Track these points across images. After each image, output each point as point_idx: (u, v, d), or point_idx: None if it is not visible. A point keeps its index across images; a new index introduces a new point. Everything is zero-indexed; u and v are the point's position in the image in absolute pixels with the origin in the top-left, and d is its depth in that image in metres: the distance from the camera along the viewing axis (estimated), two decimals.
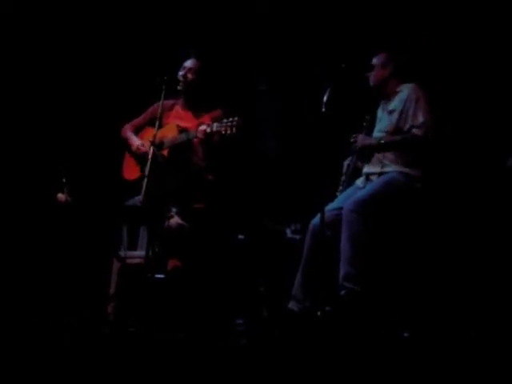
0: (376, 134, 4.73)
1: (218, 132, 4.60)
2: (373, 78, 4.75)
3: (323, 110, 4.31)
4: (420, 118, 4.51)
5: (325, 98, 4.32)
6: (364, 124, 4.80)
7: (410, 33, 5.05)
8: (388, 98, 4.73)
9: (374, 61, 4.76)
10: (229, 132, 4.55)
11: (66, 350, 3.63)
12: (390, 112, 4.65)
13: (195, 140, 4.76)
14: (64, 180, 4.91)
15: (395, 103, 4.64)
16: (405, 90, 4.64)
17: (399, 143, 4.58)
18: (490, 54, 4.95)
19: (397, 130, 4.60)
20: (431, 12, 5.08)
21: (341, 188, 4.76)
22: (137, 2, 5.72)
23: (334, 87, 4.35)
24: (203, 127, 4.67)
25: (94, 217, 5.07)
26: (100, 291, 4.86)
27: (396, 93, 4.68)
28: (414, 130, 4.51)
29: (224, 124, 4.57)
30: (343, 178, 4.80)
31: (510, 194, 4.68)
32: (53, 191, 4.95)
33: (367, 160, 4.70)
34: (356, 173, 4.78)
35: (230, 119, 4.57)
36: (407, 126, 4.55)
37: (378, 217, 4.40)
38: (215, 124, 4.63)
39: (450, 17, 5.05)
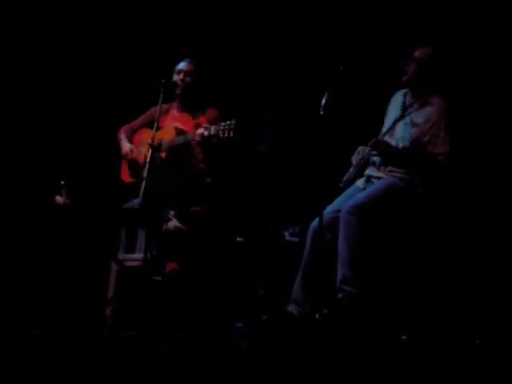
0: (388, 137, 4.60)
1: (216, 135, 4.60)
2: (409, 73, 4.55)
3: (322, 112, 4.30)
4: (447, 147, 4.41)
5: (323, 101, 4.31)
6: (384, 130, 4.65)
7: (412, 34, 4.98)
8: (414, 98, 4.59)
9: (418, 54, 4.53)
10: (226, 135, 4.54)
11: (65, 353, 3.63)
12: (413, 124, 4.52)
13: (193, 142, 4.76)
14: (62, 182, 4.91)
15: (421, 117, 4.50)
16: (435, 107, 4.49)
17: (422, 165, 4.47)
18: (490, 56, 4.95)
19: (414, 145, 4.49)
20: (431, 12, 5.07)
21: (347, 177, 4.69)
22: (135, 3, 5.71)
23: (332, 90, 4.32)
24: (201, 130, 4.67)
25: (92, 219, 5.07)
26: (98, 294, 4.86)
27: (425, 103, 4.54)
28: (441, 158, 4.42)
29: (222, 127, 4.56)
30: (352, 169, 4.68)
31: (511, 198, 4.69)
32: (51, 193, 4.94)
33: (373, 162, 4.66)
34: (365, 167, 4.71)
35: (228, 122, 4.56)
36: (435, 151, 4.44)
37: (375, 220, 4.39)
38: (213, 127, 4.61)
39: (447, 21, 5.03)
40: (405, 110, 4.61)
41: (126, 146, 5.03)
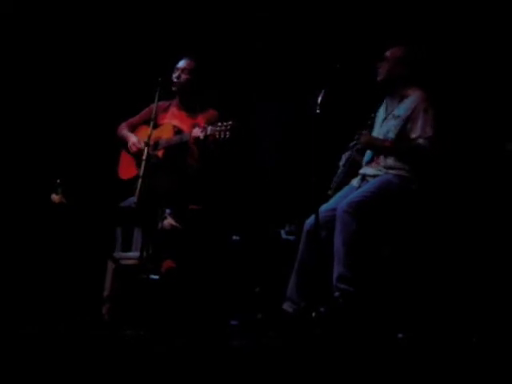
0: (376, 136, 4.65)
1: (213, 136, 4.59)
2: (383, 71, 4.60)
3: (317, 111, 4.31)
4: (428, 131, 4.42)
5: (319, 99, 4.32)
6: (369, 122, 4.70)
7: (410, 34, 5.02)
8: (393, 97, 4.64)
9: (388, 53, 4.61)
10: (223, 136, 4.53)
11: (61, 352, 3.62)
12: (395, 117, 4.56)
13: (190, 142, 4.76)
14: (58, 181, 4.90)
15: (402, 109, 4.55)
16: (413, 97, 4.53)
17: (404, 151, 4.50)
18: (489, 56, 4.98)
19: (400, 137, 4.51)
20: (431, 14, 5.08)
21: (336, 181, 4.72)
22: (135, 4, 5.72)
23: (328, 88, 4.33)
24: (196, 131, 4.67)
25: (88, 218, 5.06)
26: (94, 292, 4.86)
27: (403, 96, 4.58)
28: (421, 141, 4.43)
29: (218, 128, 4.56)
30: (340, 170, 4.73)
31: (508, 194, 4.70)
32: (47, 192, 4.94)
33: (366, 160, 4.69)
34: (353, 167, 4.74)
35: (225, 123, 4.55)
36: (414, 136, 4.46)
37: (371, 218, 4.39)
38: (210, 127, 4.61)
39: (451, 20, 5.05)
40: (387, 110, 4.66)
41: (132, 136, 5.00)
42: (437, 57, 4.98)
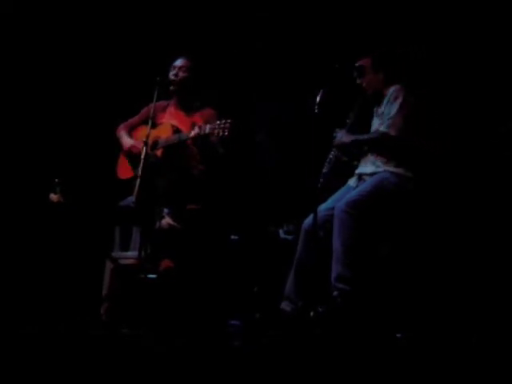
0: None
1: (211, 134, 4.59)
2: (369, 84, 4.70)
3: (316, 110, 4.32)
4: (392, 115, 4.50)
5: (318, 99, 4.33)
6: (347, 121, 4.77)
7: (401, 35, 5.06)
8: (379, 102, 4.70)
9: (363, 66, 4.70)
10: (221, 134, 4.53)
11: (60, 351, 3.62)
12: (379, 116, 4.65)
13: (188, 142, 4.76)
14: (57, 180, 4.90)
15: (382, 106, 4.63)
16: (389, 92, 4.61)
17: (369, 140, 4.59)
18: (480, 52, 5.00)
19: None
20: (425, 14, 5.11)
21: (322, 181, 4.74)
22: (134, 4, 5.72)
23: (327, 88, 4.35)
24: (196, 130, 4.67)
25: (86, 217, 5.06)
26: (93, 292, 4.85)
27: (384, 95, 4.65)
28: (382, 128, 4.53)
29: (217, 126, 4.56)
30: (324, 169, 4.76)
31: (506, 194, 4.71)
32: (45, 191, 4.94)
33: (353, 156, 4.71)
34: (339, 166, 4.76)
35: (224, 121, 4.55)
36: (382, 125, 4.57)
37: (369, 217, 4.40)
38: (208, 126, 4.61)
39: (441, 20, 5.07)
40: (376, 112, 4.74)
41: (127, 141, 5.00)
42: (433, 55, 5.03)
